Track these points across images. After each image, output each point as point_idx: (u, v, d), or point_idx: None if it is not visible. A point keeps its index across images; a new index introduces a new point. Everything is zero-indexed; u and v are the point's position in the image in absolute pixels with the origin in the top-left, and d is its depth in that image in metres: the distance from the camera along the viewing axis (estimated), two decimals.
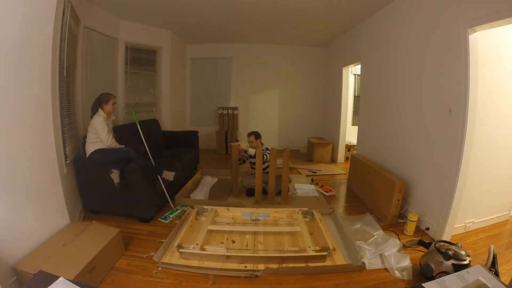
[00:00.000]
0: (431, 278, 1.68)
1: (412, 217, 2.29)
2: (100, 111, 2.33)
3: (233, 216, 2.52)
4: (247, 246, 2.06)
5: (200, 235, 2.04)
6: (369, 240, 2.15)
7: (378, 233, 2.22)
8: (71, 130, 2.40)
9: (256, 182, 2.91)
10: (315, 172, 4.19)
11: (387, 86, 3.11)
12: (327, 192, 3.30)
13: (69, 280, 0.84)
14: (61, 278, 0.85)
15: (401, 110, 2.81)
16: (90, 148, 2.30)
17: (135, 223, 2.43)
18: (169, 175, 2.54)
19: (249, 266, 1.81)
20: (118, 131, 3.00)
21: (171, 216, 2.58)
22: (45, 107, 1.83)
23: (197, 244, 1.91)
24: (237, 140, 3.17)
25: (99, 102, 2.35)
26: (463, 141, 1.97)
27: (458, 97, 2.00)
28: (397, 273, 1.78)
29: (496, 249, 1.67)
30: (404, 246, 2.11)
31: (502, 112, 2.22)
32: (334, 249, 1.98)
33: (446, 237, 2.18)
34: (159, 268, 1.81)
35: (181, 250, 1.87)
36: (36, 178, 1.76)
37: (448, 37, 2.09)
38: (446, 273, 1.58)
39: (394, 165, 2.89)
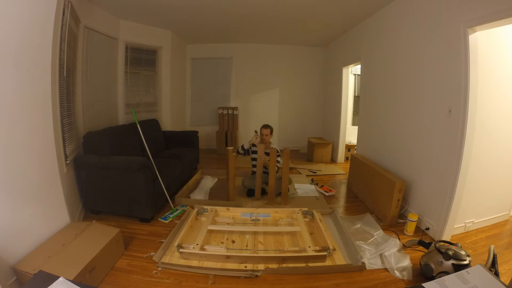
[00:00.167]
0: (431, 278, 1.68)
1: (412, 217, 2.29)
2: None
3: (233, 216, 2.52)
4: (247, 246, 2.06)
5: (200, 235, 2.04)
6: (369, 240, 2.15)
7: (378, 233, 2.22)
8: (71, 130, 2.40)
9: (257, 181, 2.94)
10: (315, 172, 4.19)
11: (387, 86, 3.11)
12: (327, 192, 3.30)
13: (69, 280, 0.84)
14: (61, 278, 0.85)
15: (401, 110, 2.81)
16: None
17: (135, 223, 2.43)
18: None
19: (249, 266, 1.81)
20: (118, 131, 3.02)
21: (171, 216, 2.58)
22: (45, 107, 1.83)
23: (197, 244, 1.91)
24: (256, 132, 3.19)
25: None
26: (463, 141, 1.98)
27: (458, 97, 2.00)
28: (397, 273, 1.78)
29: (496, 249, 1.67)
30: (404, 246, 2.11)
31: (502, 112, 2.22)
32: (334, 249, 1.98)
33: (446, 237, 2.18)
34: (159, 268, 1.81)
35: (181, 250, 1.87)
36: (36, 178, 1.76)
37: (448, 37, 2.09)
38: (446, 273, 1.58)
39: (394, 165, 2.89)
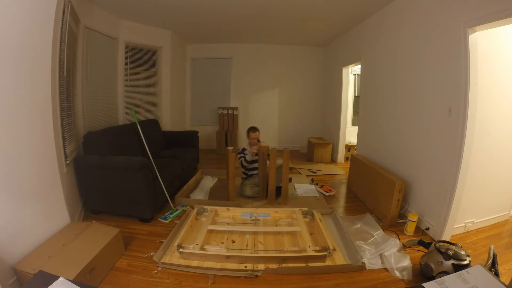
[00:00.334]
0: (431, 278, 1.68)
1: (412, 217, 2.29)
2: None
3: (233, 216, 2.52)
4: (247, 246, 2.06)
5: (200, 235, 2.04)
6: (369, 240, 2.15)
7: (378, 233, 2.22)
8: (71, 130, 2.40)
9: (262, 183, 2.97)
10: (315, 172, 4.19)
11: (387, 86, 3.11)
12: (327, 192, 3.30)
13: (69, 280, 0.84)
14: (61, 278, 0.85)
15: (401, 110, 2.81)
16: None
17: (135, 223, 2.43)
18: None
19: (249, 266, 1.81)
20: (118, 131, 3.02)
21: (171, 216, 2.58)
22: (45, 107, 1.83)
23: (197, 244, 1.91)
24: (258, 141, 3.08)
25: None
26: (463, 141, 1.98)
27: (458, 97, 2.00)
28: (397, 273, 1.78)
29: (496, 249, 1.67)
30: (404, 246, 2.11)
31: (502, 112, 2.22)
32: (334, 249, 1.98)
33: (446, 237, 2.18)
34: (159, 268, 1.81)
35: (181, 250, 1.87)
36: (36, 178, 1.76)
37: (448, 37, 2.09)
38: (446, 273, 1.58)
39: (394, 165, 2.89)
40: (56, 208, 1.95)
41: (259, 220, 2.48)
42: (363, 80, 3.83)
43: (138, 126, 2.60)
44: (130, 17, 3.61)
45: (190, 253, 1.86)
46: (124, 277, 1.74)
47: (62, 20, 2.07)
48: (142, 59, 4.08)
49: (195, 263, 1.83)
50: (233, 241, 2.13)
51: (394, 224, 2.48)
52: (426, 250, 1.92)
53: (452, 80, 2.06)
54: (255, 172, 3.15)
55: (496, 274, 1.60)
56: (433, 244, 1.81)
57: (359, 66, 4.02)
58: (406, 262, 1.83)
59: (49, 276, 0.87)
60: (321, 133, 5.73)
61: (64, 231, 1.89)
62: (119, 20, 3.61)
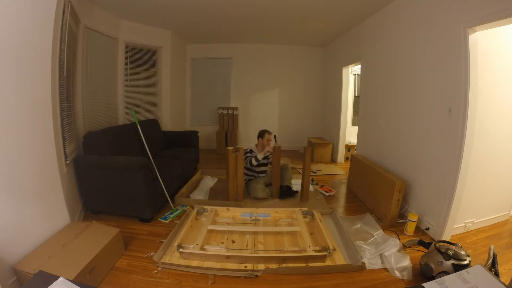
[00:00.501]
0: (431, 278, 1.68)
1: (412, 217, 2.29)
2: None
3: (233, 216, 2.52)
4: (247, 246, 2.06)
5: (200, 235, 2.04)
6: (369, 240, 2.15)
7: (378, 233, 2.22)
8: (71, 130, 2.40)
9: (275, 183, 3.01)
10: (315, 172, 4.19)
11: (387, 86, 3.11)
12: (327, 192, 3.30)
13: (69, 280, 0.84)
14: (61, 278, 0.85)
15: (401, 110, 2.81)
16: None
17: (135, 223, 2.43)
18: None
19: (249, 266, 1.81)
20: (118, 131, 3.02)
21: (171, 216, 2.58)
22: (45, 107, 1.83)
23: (197, 244, 1.91)
24: (275, 136, 3.10)
25: None
26: (463, 141, 1.98)
27: (458, 97, 2.00)
28: (397, 273, 1.78)
29: (496, 249, 1.67)
30: (404, 246, 2.11)
31: (502, 112, 2.22)
32: (334, 249, 1.98)
33: (446, 237, 2.18)
34: (159, 268, 1.81)
35: (181, 250, 1.87)
36: (36, 178, 1.76)
37: (448, 37, 2.09)
38: (446, 273, 1.58)
39: (394, 165, 2.89)
40: (56, 208, 1.95)
41: (259, 220, 2.48)
42: (363, 80, 3.83)
43: (138, 126, 2.60)
44: (130, 17, 3.61)
45: (190, 253, 1.86)
46: (124, 277, 1.74)
47: (62, 20, 2.07)
48: (142, 59, 4.08)
49: (195, 263, 1.83)
50: (233, 241, 2.13)
51: (394, 224, 2.48)
52: (426, 250, 1.92)
53: (452, 80, 2.06)
54: (263, 174, 3.15)
55: (496, 274, 1.60)
56: (433, 244, 1.81)
57: (359, 66, 4.02)
58: (406, 262, 1.83)
59: (49, 276, 0.87)
60: (321, 133, 5.72)
61: (64, 231, 1.89)
62: (119, 20, 3.61)
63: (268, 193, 3.05)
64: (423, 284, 0.85)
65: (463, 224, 2.33)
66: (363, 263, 1.86)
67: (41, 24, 1.76)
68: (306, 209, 2.56)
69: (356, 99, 5.08)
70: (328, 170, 4.38)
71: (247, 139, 5.72)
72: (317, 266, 1.83)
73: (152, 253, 1.95)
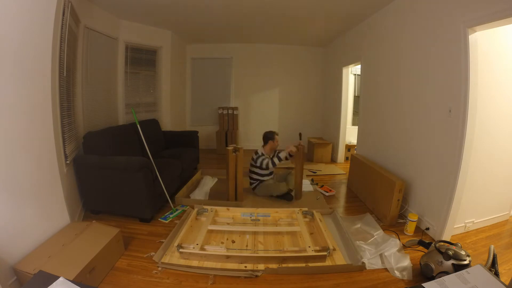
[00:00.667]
0: (431, 278, 1.68)
1: (412, 217, 2.29)
2: None
3: (233, 216, 2.52)
4: (247, 246, 2.06)
5: (200, 235, 2.04)
6: (369, 240, 2.15)
7: (378, 233, 2.22)
8: (71, 130, 2.40)
9: (297, 182, 3.05)
10: (315, 172, 4.19)
11: (387, 86, 3.11)
12: (327, 192, 3.30)
13: (69, 280, 0.84)
14: (61, 278, 0.85)
15: (401, 110, 2.81)
16: None
17: (135, 223, 2.43)
18: None
19: (249, 266, 1.81)
20: (118, 131, 3.02)
21: (171, 216, 2.58)
22: (45, 107, 1.83)
23: (197, 244, 1.91)
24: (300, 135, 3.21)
25: None
26: (463, 141, 1.98)
27: (458, 97, 2.00)
28: (397, 273, 1.78)
29: (496, 249, 1.67)
30: (404, 246, 2.11)
31: (502, 112, 2.22)
32: (334, 249, 1.98)
33: (446, 237, 2.18)
34: (159, 268, 1.81)
35: (181, 250, 1.87)
36: (36, 178, 1.76)
37: (448, 37, 2.09)
38: (446, 273, 1.58)
39: (394, 165, 2.89)
40: (56, 208, 1.95)
41: (259, 220, 2.48)
42: (363, 80, 3.83)
43: (138, 126, 2.60)
44: (130, 17, 3.61)
45: (190, 253, 1.86)
46: (124, 277, 1.74)
47: (62, 20, 2.07)
48: (142, 59, 4.08)
49: (195, 263, 1.83)
50: (233, 241, 2.13)
51: (394, 224, 2.48)
52: (426, 250, 1.92)
53: (452, 80, 2.06)
54: (271, 175, 3.16)
55: (496, 274, 1.60)
56: (433, 244, 1.81)
57: (359, 66, 4.02)
58: (406, 262, 1.83)
59: (49, 276, 0.87)
60: (321, 133, 5.72)
61: (64, 231, 1.89)
62: (119, 20, 3.61)
63: (282, 190, 3.01)
64: (423, 284, 0.85)
65: (463, 224, 2.33)
66: (363, 263, 1.86)
67: (41, 24, 1.76)
68: (306, 209, 2.56)
69: (356, 99, 5.07)
70: (328, 170, 4.38)
71: (247, 139, 5.72)
72: (317, 266, 1.83)
73: (152, 253, 1.95)
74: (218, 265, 1.82)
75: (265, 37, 4.87)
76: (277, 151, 3.14)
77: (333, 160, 4.96)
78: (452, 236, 2.24)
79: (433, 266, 1.68)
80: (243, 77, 5.57)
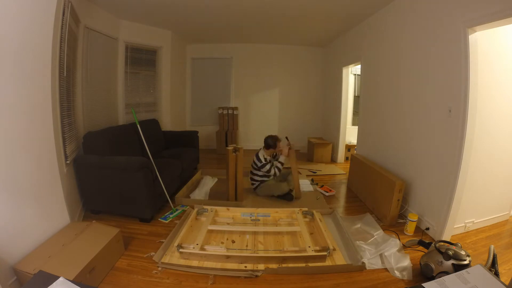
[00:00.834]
0: (431, 278, 1.68)
1: (412, 217, 2.29)
2: None
3: (233, 216, 2.52)
4: (247, 246, 2.06)
5: (200, 235, 2.04)
6: (369, 240, 2.15)
7: (378, 233, 2.22)
8: (71, 130, 2.40)
9: (295, 183, 3.07)
10: (315, 172, 4.19)
11: (387, 86, 3.11)
12: (327, 192, 3.30)
13: (69, 280, 0.84)
14: (61, 278, 0.85)
15: (401, 110, 2.81)
16: None
17: (135, 223, 2.43)
18: None
19: (249, 266, 1.81)
20: (118, 131, 3.02)
21: (171, 216, 2.58)
22: (45, 107, 1.83)
23: (197, 244, 1.91)
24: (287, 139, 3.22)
25: None
26: (463, 141, 1.98)
27: (458, 97, 2.00)
28: (397, 273, 1.78)
29: (496, 249, 1.67)
30: (404, 246, 2.11)
31: (502, 112, 2.22)
32: (334, 249, 1.98)
33: (446, 237, 2.18)
34: (159, 268, 1.81)
35: (181, 250, 1.87)
36: (36, 178, 1.76)
37: (448, 37, 2.09)
38: (446, 273, 1.58)
39: (394, 165, 2.89)
40: (56, 208, 1.95)
41: (259, 220, 2.48)
42: (363, 80, 3.83)
43: (138, 126, 2.60)
44: (130, 17, 3.61)
45: (190, 253, 1.86)
46: (124, 277, 1.74)
47: (62, 20, 2.07)
48: (142, 59, 4.08)
49: (195, 263, 1.83)
50: (233, 241, 2.13)
51: (394, 224, 2.48)
52: (426, 250, 1.92)
53: (452, 80, 2.06)
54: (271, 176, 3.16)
55: (496, 274, 1.60)
56: (433, 244, 1.81)
57: (359, 66, 4.02)
58: (406, 262, 1.83)
59: (49, 276, 0.86)
60: (321, 133, 5.72)
61: (64, 231, 1.89)
62: (119, 20, 3.61)
63: (288, 185, 3.06)
64: (423, 284, 0.85)
65: (463, 224, 2.33)
66: (363, 263, 1.86)
67: (41, 24, 1.76)
68: (306, 209, 2.56)
69: (356, 99, 5.07)
70: (328, 170, 4.38)
71: (247, 139, 5.72)
72: (317, 266, 1.83)
73: (152, 253, 1.95)
74: (218, 265, 1.82)
75: (265, 37, 4.87)
76: (276, 155, 3.15)
77: (333, 160, 4.96)
78: (452, 236, 2.24)
79: (433, 266, 1.68)
80: (243, 77, 5.57)
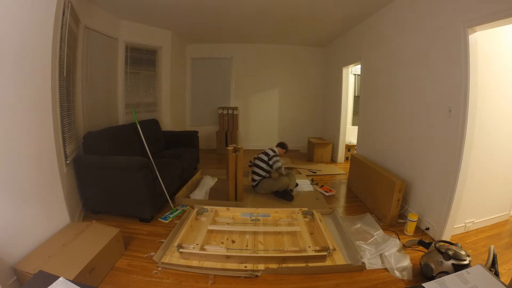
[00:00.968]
0: (431, 278, 1.68)
1: (412, 217, 2.29)
2: None
3: (233, 216, 2.52)
4: (247, 246, 2.06)
5: (200, 235, 2.04)
6: (369, 240, 2.15)
7: (378, 233, 2.22)
8: (71, 130, 2.40)
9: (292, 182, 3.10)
10: (315, 172, 4.19)
11: (387, 86, 3.11)
12: (327, 192, 3.30)
13: (69, 280, 0.84)
14: (61, 278, 0.85)
15: (401, 110, 2.81)
16: None
17: (135, 223, 2.43)
18: None
19: (249, 266, 1.81)
20: (118, 131, 3.02)
21: (171, 216, 2.58)
22: (45, 107, 1.83)
23: (197, 244, 1.91)
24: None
25: None
26: (463, 141, 1.98)
27: (458, 97, 2.00)
28: (397, 273, 1.78)
29: (496, 249, 1.67)
30: (404, 246, 2.11)
31: (502, 112, 2.22)
32: (334, 249, 1.98)
33: (446, 237, 2.18)
34: (159, 268, 1.81)
35: (181, 250, 1.87)
36: (36, 178, 1.76)
37: (448, 37, 2.09)
38: (446, 273, 1.58)
39: (394, 165, 2.89)
40: (56, 208, 1.95)
41: (259, 220, 2.48)
42: (363, 80, 3.83)
43: (138, 126, 2.59)
44: (130, 17, 3.61)
45: (190, 253, 1.86)
46: (124, 277, 1.74)
47: (62, 20, 2.07)
48: (142, 59, 4.08)
49: (195, 263, 1.83)
50: (233, 241, 2.13)
51: (394, 224, 2.48)
52: (426, 250, 1.92)
53: (452, 80, 2.06)
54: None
55: (496, 274, 1.60)
56: (433, 244, 1.81)
57: (359, 66, 4.02)
58: (406, 262, 1.83)
59: (49, 276, 0.86)
60: (321, 133, 5.73)
61: (64, 231, 1.89)
62: (119, 20, 3.61)
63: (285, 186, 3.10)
64: (423, 284, 0.85)
65: (463, 224, 2.33)
66: (363, 263, 1.86)
67: (41, 24, 1.76)
68: (306, 209, 2.56)
69: (356, 99, 5.07)
70: (328, 170, 4.38)
71: (247, 139, 5.72)
72: (317, 266, 1.83)
73: (152, 253, 1.95)
74: (218, 265, 1.82)
75: (265, 37, 4.87)
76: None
77: (333, 160, 4.96)
78: (452, 236, 2.24)
79: (433, 266, 1.68)
80: (243, 77, 5.57)
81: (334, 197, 3.24)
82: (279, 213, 2.58)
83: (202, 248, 1.89)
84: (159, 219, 2.52)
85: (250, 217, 2.51)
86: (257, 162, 3.12)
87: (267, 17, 3.64)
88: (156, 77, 4.37)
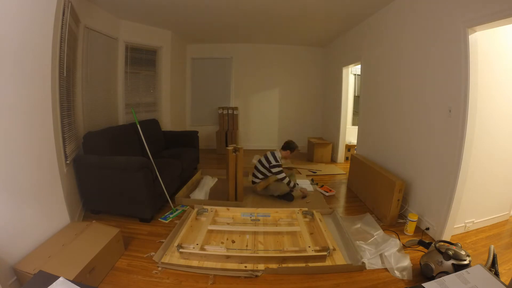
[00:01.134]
0: (431, 278, 1.68)
1: (412, 217, 2.29)
2: None
3: (233, 216, 2.52)
4: (247, 246, 2.06)
5: (200, 235, 2.04)
6: (369, 240, 2.15)
7: (378, 233, 2.22)
8: (71, 130, 2.40)
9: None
10: (315, 172, 4.19)
11: (387, 86, 3.11)
12: (327, 192, 3.30)
13: (69, 280, 0.84)
14: (61, 278, 0.85)
15: (401, 110, 2.81)
16: None
17: (135, 223, 2.43)
18: None
19: (249, 266, 1.81)
20: (118, 131, 3.02)
21: (171, 216, 2.58)
22: (45, 107, 1.83)
23: (197, 244, 1.91)
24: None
25: None
26: (463, 141, 1.98)
27: (458, 97, 2.00)
28: (397, 273, 1.78)
29: (496, 249, 1.67)
30: (404, 246, 2.11)
31: (502, 112, 2.22)
32: (334, 249, 1.98)
33: (446, 237, 2.18)
34: (159, 268, 1.81)
35: (181, 250, 1.87)
36: (36, 178, 1.76)
37: (448, 37, 2.09)
38: (446, 273, 1.58)
39: (394, 165, 2.89)
40: (56, 208, 1.95)
41: (259, 220, 2.48)
42: (363, 80, 3.83)
43: (138, 126, 2.59)
44: (130, 17, 3.61)
45: (190, 253, 1.86)
46: (124, 277, 1.74)
47: (62, 20, 2.07)
48: (142, 59, 4.08)
49: (195, 263, 1.83)
50: (233, 241, 2.13)
51: (394, 224, 2.48)
52: (426, 250, 1.92)
53: (452, 80, 2.06)
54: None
55: (496, 274, 1.60)
56: (433, 244, 1.81)
57: (359, 66, 4.02)
58: (406, 262, 1.83)
59: (49, 276, 0.86)
60: (321, 133, 5.73)
61: (64, 231, 1.89)
62: (119, 20, 3.61)
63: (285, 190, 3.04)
64: (423, 284, 0.85)
65: (463, 224, 2.33)
66: (363, 263, 1.86)
67: (41, 24, 1.76)
68: (306, 209, 2.56)
69: (356, 99, 5.08)
70: (328, 170, 4.38)
71: (247, 139, 5.72)
72: (317, 266, 1.83)
73: (152, 253, 1.95)
74: (218, 265, 1.82)
75: (265, 37, 4.87)
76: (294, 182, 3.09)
77: (333, 160, 4.96)
78: (452, 236, 2.24)
79: (433, 266, 1.68)
80: (243, 77, 5.57)
81: (334, 197, 3.24)
82: (279, 213, 2.58)
83: (202, 248, 1.89)
84: (159, 219, 2.52)
85: (250, 217, 2.51)
86: (258, 165, 3.11)
87: (267, 17, 3.64)
88: (156, 77, 4.37)
